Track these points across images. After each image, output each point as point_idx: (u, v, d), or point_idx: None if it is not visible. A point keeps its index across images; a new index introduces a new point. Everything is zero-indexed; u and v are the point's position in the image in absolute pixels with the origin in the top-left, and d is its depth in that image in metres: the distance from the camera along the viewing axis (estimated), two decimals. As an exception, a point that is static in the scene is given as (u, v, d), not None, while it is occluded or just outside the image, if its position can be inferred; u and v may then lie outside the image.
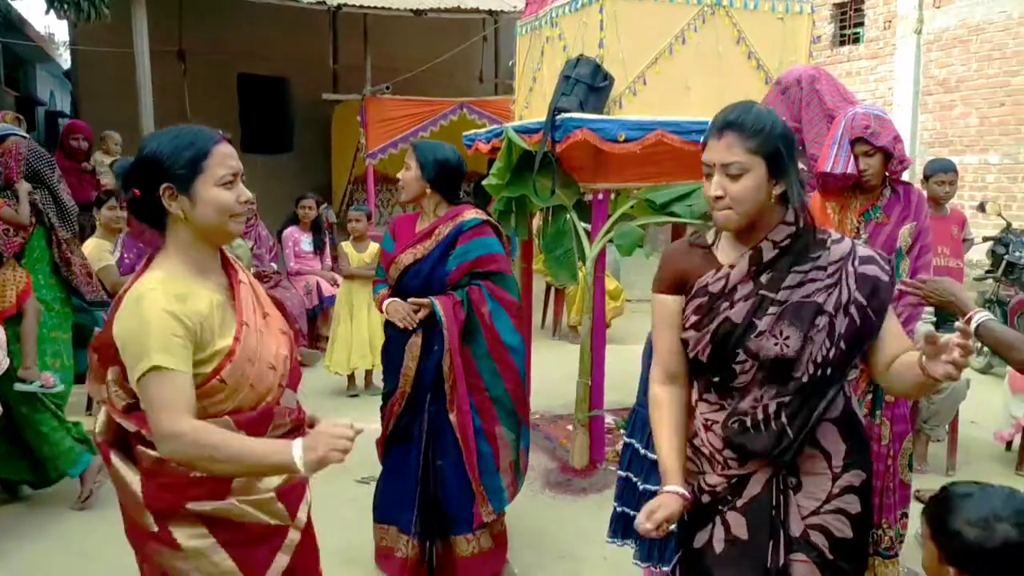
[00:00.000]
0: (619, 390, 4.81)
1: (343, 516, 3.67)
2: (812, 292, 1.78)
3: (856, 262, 1.80)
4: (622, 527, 3.00)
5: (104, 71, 9.81)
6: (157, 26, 8.35)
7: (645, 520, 1.80)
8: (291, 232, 7.02)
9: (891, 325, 1.83)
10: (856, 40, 10.55)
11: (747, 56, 4.07)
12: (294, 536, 1.86)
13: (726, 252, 1.87)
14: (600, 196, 4.07)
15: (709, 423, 1.89)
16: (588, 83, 3.74)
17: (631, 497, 2.95)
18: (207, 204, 1.73)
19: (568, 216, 4.16)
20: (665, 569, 2.85)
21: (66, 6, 7.07)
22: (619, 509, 3.01)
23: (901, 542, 3.10)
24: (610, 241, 4.16)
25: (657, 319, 1.96)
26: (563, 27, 4.22)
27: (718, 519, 1.87)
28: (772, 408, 1.79)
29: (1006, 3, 8.53)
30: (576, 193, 4.13)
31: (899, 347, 1.80)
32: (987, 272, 6.69)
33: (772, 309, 1.78)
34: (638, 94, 3.93)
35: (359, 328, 5.82)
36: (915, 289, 2.66)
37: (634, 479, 2.91)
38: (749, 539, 1.83)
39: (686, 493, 1.87)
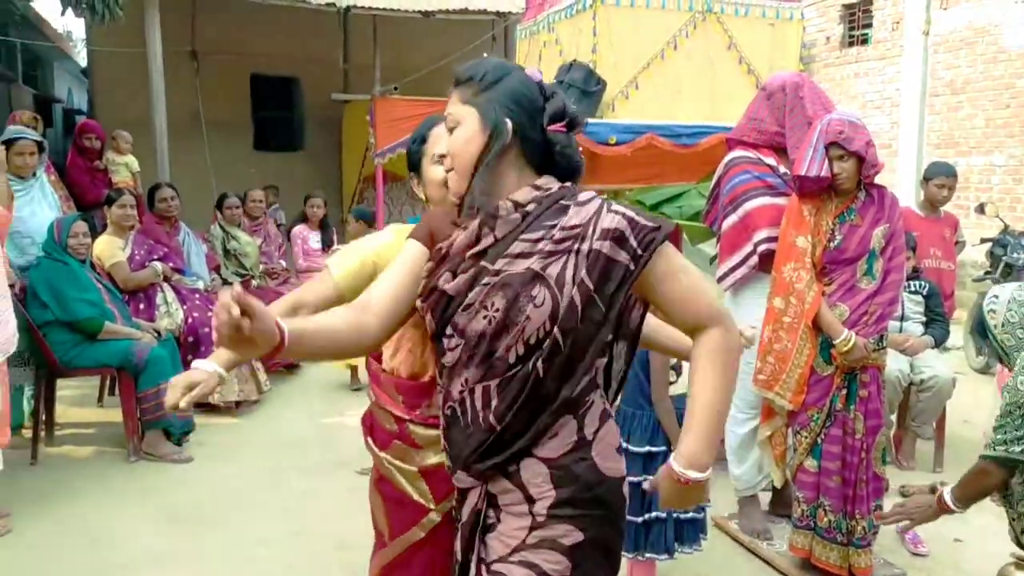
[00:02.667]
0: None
1: (342, 505, 3.82)
2: (532, 260, 1.48)
3: (595, 233, 1.47)
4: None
5: (118, 70, 9.99)
6: (170, 27, 8.51)
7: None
8: (300, 230, 7.17)
9: (667, 290, 1.51)
10: (864, 41, 10.59)
11: (738, 61, 4.19)
12: (433, 517, 1.94)
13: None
14: (593, 197, 4.18)
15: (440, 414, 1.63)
16: (581, 87, 3.87)
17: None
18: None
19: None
20: (650, 556, 2.97)
21: (82, 6, 7.22)
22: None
23: (875, 533, 3.20)
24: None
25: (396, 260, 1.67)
26: (559, 32, 4.35)
27: (458, 531, 1.65)
28: (478, 394, 1.51)
29: (1012, 6, 8.56)
30: (570, 194, 4.25)
31: (694, 311, 1.53)
32: (986, 273, 6.75)
33: (487, 280, 1.49)
34: (630, 98, 4.06)
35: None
36: None
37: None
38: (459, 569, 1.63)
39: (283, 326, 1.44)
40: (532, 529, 1.51)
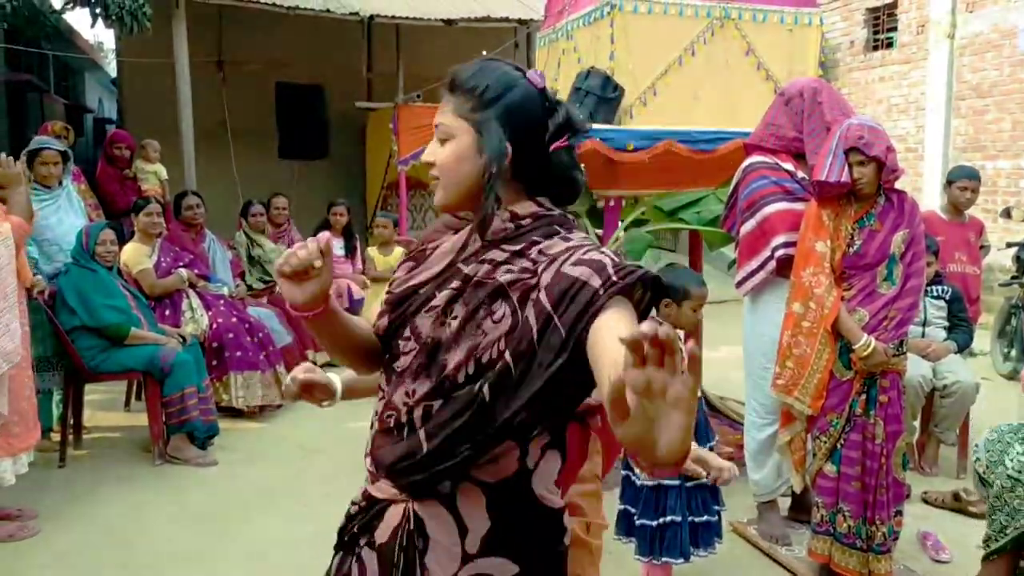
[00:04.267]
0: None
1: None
2: (503, 274, 1.37)
3: (570, 259, 1.33)
4: (625, 525, 3.13)
5: (147, 80, 10.15)
6: (197, 37, 8.65)
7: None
8: (323, 237, 7.23)
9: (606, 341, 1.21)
10: (889, 45, 10.51)
11: (756, 67, 4.18)
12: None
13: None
14: (612, 203, 4.20)
15: (375, 414, 1.51)
16: (598, 94, 3.88)
17: (632, 494, 3.08)
18: None
19: (582, 222, 4.31)
20: (666, 560, 2.98)
21: (111, 19, 7.37)
22: (621, 507, 3.15)
23: (895, 539, 3.18)
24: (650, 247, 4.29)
25: None
26: (578, 40, 4.37)
27: (356, 553, 1.51)
28: (418, 412, 1.40)
29: (1038, 7, 8.47)
30: (589, 200, 4.27)
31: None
32: (1012, 278, 6.68)
33: (455, 282, 1.40)
34: (648, 105, 4.06)
35: (385, 329, 6.01)
36: None
37: (633, 476, 3.04)
38: None
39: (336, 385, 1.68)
40: (464, 562, 1.39)
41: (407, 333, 1.44)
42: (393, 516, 1.44)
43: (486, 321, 1.34)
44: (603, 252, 1.34)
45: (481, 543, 1.39)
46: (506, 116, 1.40)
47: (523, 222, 1.42)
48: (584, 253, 1.33)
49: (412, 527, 1.41)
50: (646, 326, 0.87)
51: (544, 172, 1.45)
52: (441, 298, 1.40)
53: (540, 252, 1.38)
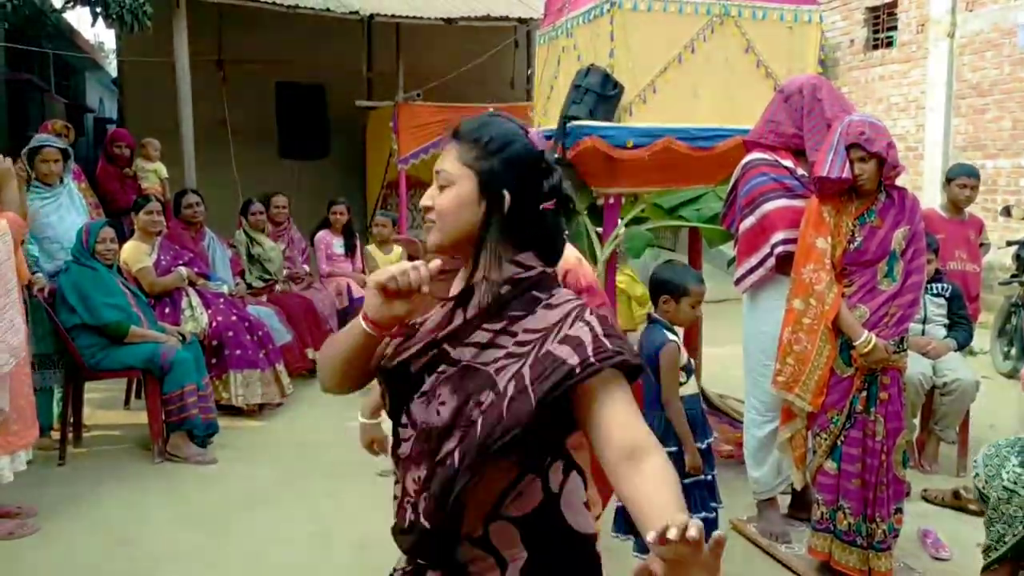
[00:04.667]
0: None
1: (364, 507, 3.85)
2: (491, 360, 1.39)
3: (557, 337, 1.37)
4: (624, 522, 3.12)
5: (147, 80, 10.15)
6: (197, 36, 8.65)
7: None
8: (323, 235, 7.24)
9: (608, 412, 1.33)
10: (889, 44, 10.50)
11: (756, 65, 4.17)
12: None
13: (457, 285, 1.51)
14: (611, 200, 4.20)
15: (394, 497, 1.52)
16: (598, 92, 3.88)
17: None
18: None
19: (581, 220, 4.30)
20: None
21: (111, 18, 7.36)
22: (619, 504, 3.15)
23: (895, 536, 3.18)
24: (648, 246, 4.28)
25: None
26: (577, 37, 4.36)
27: None
28: (423, 506, 1.41)
29: (1038, 6, 8.46)
30: (588, 197, 4.27)
31: (632, 436, 1.33)
32: (1012, 276, 6.67)
33: (443, 367, 1.42)
34: (648, 102, 4.05)
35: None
36: None
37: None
38: None
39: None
40: None
41: (404, 420, 1.47)
42: (435, 573, 1.48)
43: (474, 411, 1.36)
44: (587, 322, 1.37)
45: (520, 574, 1.43)
46: (507, 168, 1.44)
47: (500, 291, 1.42)
48: (570, 327, 1.37)
49: (456, 574, 1.45)
50: (673, 531, 1.00)
51: (534, 230, 1.47)
52: (429, 383, 1.42)
53: (525, 331, 1.40)
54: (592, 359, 1.32)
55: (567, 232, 1.55)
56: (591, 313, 1.41)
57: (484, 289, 1.42)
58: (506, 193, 1.43)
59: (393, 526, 1.51)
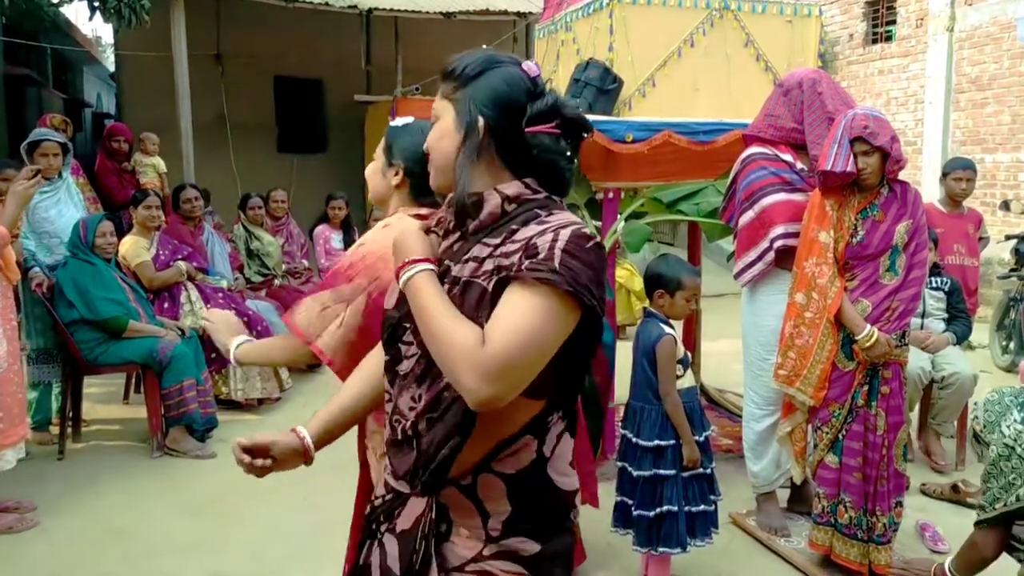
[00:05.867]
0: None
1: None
2: (485, 272, 1.38)
3: (528, 244, 1.36)
4: (623, 516, 3.13)
5: (145, 74, 10.13)
6: (195, 30, 8.63)
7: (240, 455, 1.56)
8: (322, 230, 7.23)
9: (497, 310, 1.32)
10: (888, 38, 10.50)
11: (755, 58, 4.17)
12: None
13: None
14: (611, 195, 4.19)
15: (386, 416, 1.52)
16: (597, 86, 3.87)
17: (629, 486, 3.08)
18: None
19: (581, 214, 4.30)
20: (663, 551, 2.99)
21: (109, 12, 7.34)
22: (618, 499, 3.15)
23: (895, 530, 3.19)
24: (647, 240, 4.28)
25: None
26: (576, 31, 4.36)
27: (378, 539, 1.54)
28: (422, 425, 1.42)
29: (1037, 0, 8.45)
30: (588, 191, 4.26)
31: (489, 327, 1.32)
32: (1011, 270, 6.68)
33: (447, 285, 1.40)
34: (647, 96, 4.05)
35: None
36: None
37: (629, 468, 3.05)
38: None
39: (302, 434, 1.64)
40: (488, 542, 1.43)
41: (408, 336, 1.45)
42: (416, 505, 1.46)
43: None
44: (556, 236, 1.34)
45: (503, 526, 1.43)
46: (483, 93, 1.44)
47: (508, 207, 1.42)
48: (541, 235, 1.35)
49: (435, 515, 1.44)
50: None
51: (525, 154, 1.44)
52: None
53: (512, 242, 1.38)
54: (524, 266, 1.31)
55: (574, 159, 1.49)
56: (574, 230, 1.36)
57: (495, 202, 1.42)
58: (480, 118, 1.42)
59: (386, 450, 1.51)
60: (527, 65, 1.49)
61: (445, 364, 1.33)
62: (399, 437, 1.45)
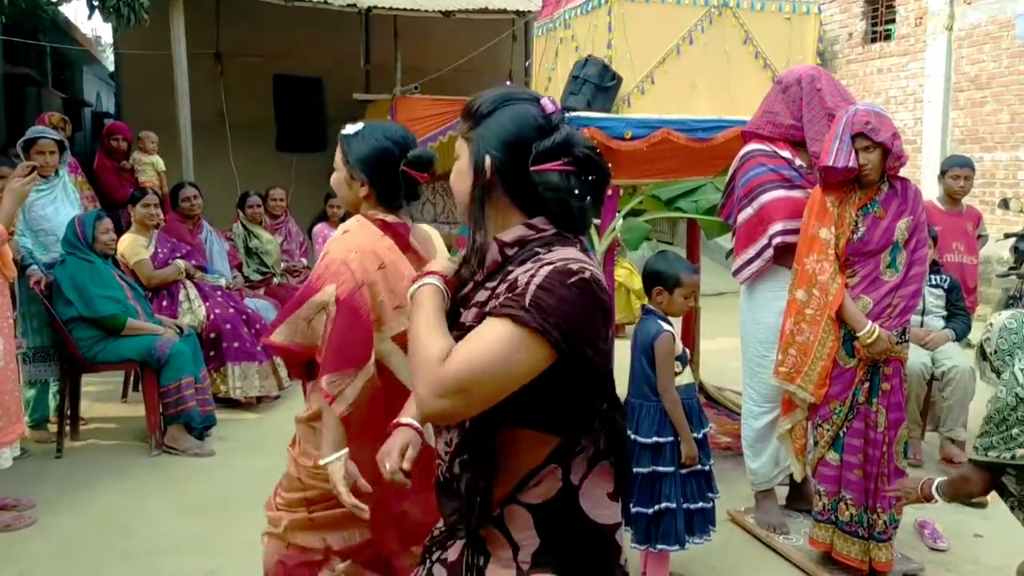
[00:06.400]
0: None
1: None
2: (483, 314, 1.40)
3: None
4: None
5: (145, 73, 10.11)
6: (194, 29, 8.61)
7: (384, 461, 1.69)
8: (321, 228, 7.22)
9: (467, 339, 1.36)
10: (887, 37, 10.49)
11: (754, 56, 4.16)
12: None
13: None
14: (609, 192, 4.18)
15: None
16: (596, 83, 3.86)
17: (627, 483, 3.08)
18: None
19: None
20: (662, 548, 2.98)
21: (108, 11, 7.32)
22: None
23: (895, 527, 3.19)
24: (646, 239, 4.26)
25: None
26: (575, 29, 4.35)
27: (428, 567, 1.59)
28: (456, 469, 1.46)
29: (1037, -2, 8.45)
30: (587, 189, 4.25)
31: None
32: (1010, 268, 6.66)
33: (455, 332, 1.42)
34: (646, 93, 4.04)
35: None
36: None
37: (628, 463, 3.04)
38: None
39: (414, 423, 1.76)
40: (518, 573, 1.43)
41: None
42: (461, 540, 1.51)
43: None
44: (535, 273, 1.34)
45: (531, 559, 1.43)
46: (491, 132, 1.44)
47: (509, 252, 1.43)
48: (525, 272, 1.36)
49: (475, 547, 1.47)
50: None
51: (532, 193, 1.43)
52: None
53: (505, 280, 1.39)
54: (500, 301, 1.34)
55: (584, 196, 1.45)
56: (558, 266, 1.34)
57: (495, 250, 1.44)
58: (487, 158, 1.43)
59: (435, 479, 1.55)
60: (544, 101, 1.47)
61: (412, 372, 1.38)
62: (441, 479, 1.50)
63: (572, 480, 1.43)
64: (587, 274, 1.34)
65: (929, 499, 2.60)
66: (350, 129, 2.26)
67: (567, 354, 1.32)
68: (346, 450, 2.12)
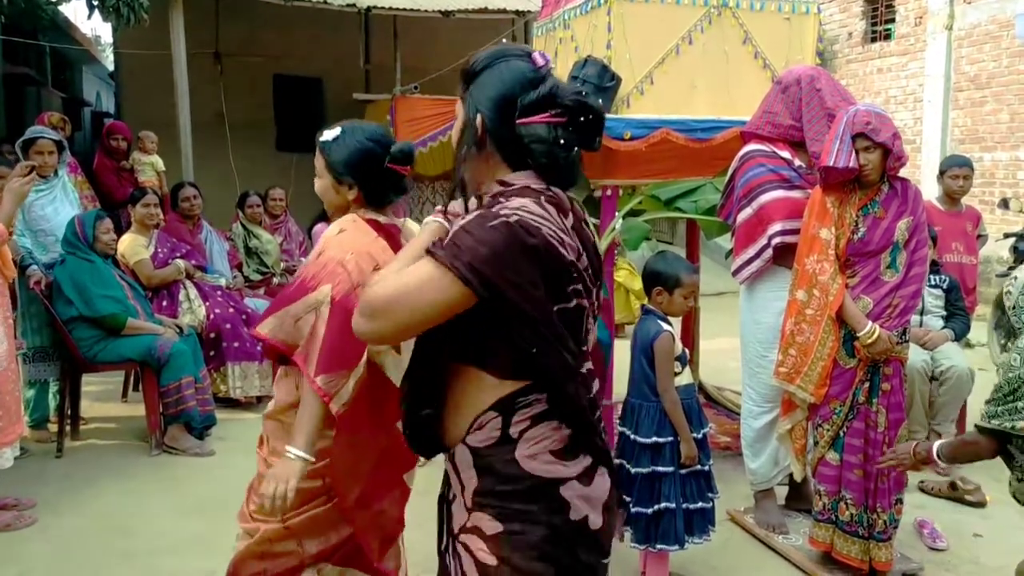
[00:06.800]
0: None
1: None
2: None
3: None
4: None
5: (144, 72, 10.13)
6: (194, 29, 8.62)
7: None
8: (321, 228, 7.18)
9: None
10: (887, 36, 10.49)
11: (753, 56, 4.16)
12: None
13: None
14: (608, 192, 4.19)
15: None
16: (595, 83, 3.85)
17: (627, 483, 3.08)
18: None
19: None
20: (661, 547, 2.99)
21: (108, 10, 7.33)
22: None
23: (895, 527, 3.19)
24: (646, 239, 4.26)
25: None
26: (575, 29, 4.35)
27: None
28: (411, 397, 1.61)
29: (1036, -2, 8.45)
30: (586, 189, 4.26)
31: None
32: (1010, 268, 6.67)
33: None
34: (645, 93, 4.03)
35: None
36: None
37: (627, 465, 3.04)
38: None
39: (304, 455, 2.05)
40: (468, 511, 1.51)
41: None
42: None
43: None
44: (468, 222, 1.38)
45: (473, 499, 1.50)
46: (481, 89, 1.48)
47: (486, 200, 1.48)
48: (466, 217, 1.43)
49: (446, 482, 1.60)
50: None
51: (519, 146, 1.45)
52: None
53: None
54: (433, 246, 1.41)
55: (571, 147, 1.46)
56: (484, 212, 1.40)
57: (473, 204, 1.49)
58: (478, 114, 1.46)
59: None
60: (535, 55, 1.48)
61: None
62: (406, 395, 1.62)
63: (510, 433, 1.47)
64: (513, 218, 1.36)
65: (927, 462, 2.58)
66: (328, 135, 2.26)
67: (487, 294, 1.35)
68: (312, 457, 2.10)
